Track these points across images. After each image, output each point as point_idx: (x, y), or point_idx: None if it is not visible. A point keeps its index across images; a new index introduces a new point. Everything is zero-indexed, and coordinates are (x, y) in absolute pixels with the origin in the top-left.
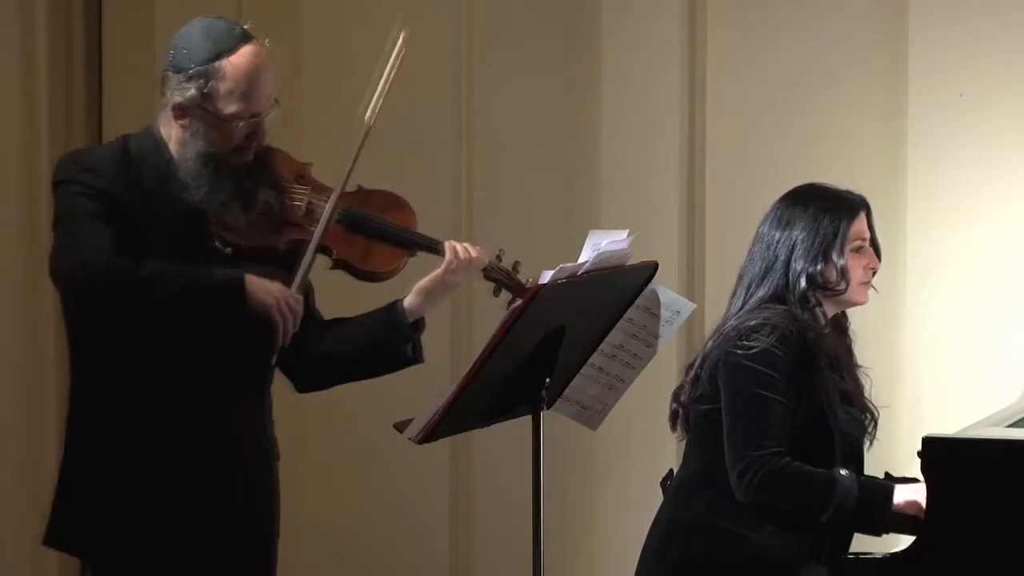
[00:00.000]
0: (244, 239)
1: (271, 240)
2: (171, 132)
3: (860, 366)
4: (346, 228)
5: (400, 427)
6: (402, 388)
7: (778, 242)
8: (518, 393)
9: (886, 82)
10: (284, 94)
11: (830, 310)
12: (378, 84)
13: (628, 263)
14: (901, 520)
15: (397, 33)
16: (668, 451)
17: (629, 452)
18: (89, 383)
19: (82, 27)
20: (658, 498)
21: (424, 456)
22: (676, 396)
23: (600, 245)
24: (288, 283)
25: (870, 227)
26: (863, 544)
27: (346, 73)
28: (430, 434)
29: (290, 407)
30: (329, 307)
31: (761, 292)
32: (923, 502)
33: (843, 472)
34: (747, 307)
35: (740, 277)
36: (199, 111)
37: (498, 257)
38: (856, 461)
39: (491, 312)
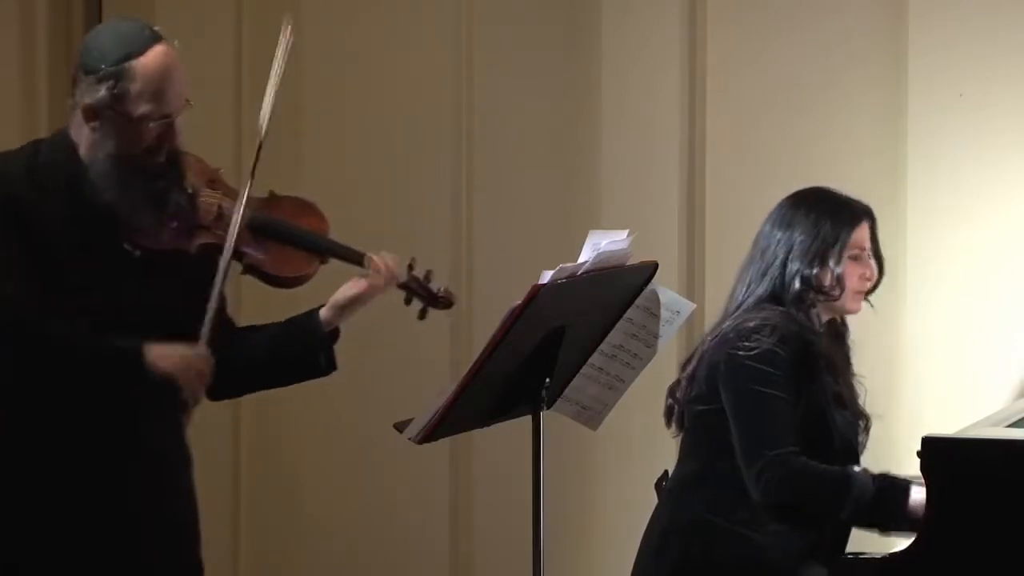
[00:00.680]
0: (154, 242)
1: (181, 243)
2: (82, 134)
3: (856, 374)
4: (256, 233)
5: (400, 427)
6: (402, 388)
7: (777, 242)
8: (518, 393)
9: (886, 82)
10: (284, 93)
11: (824, 315)
12: (269, 87)
13: (628, 263)
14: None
15: (284, 28)
16: (667, 451)
17: (629, 452)
18: None
19: (82, 27)
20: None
21: (424, 456)
22: (672, 392)
23: (600, 245)
24: (200, 285)
25: (874, 238)
26: (863, 544)
27: (346, 72)
28: (430, 434)
29: (290, 408)
30: (245, 313)
31: (759, 292)
32: None
33: (856, 469)
34: (745, 306)
35: (739, 275)
36: (109, 113)
37: (410, 266)
38: (853, 463)
39: (491, 312)
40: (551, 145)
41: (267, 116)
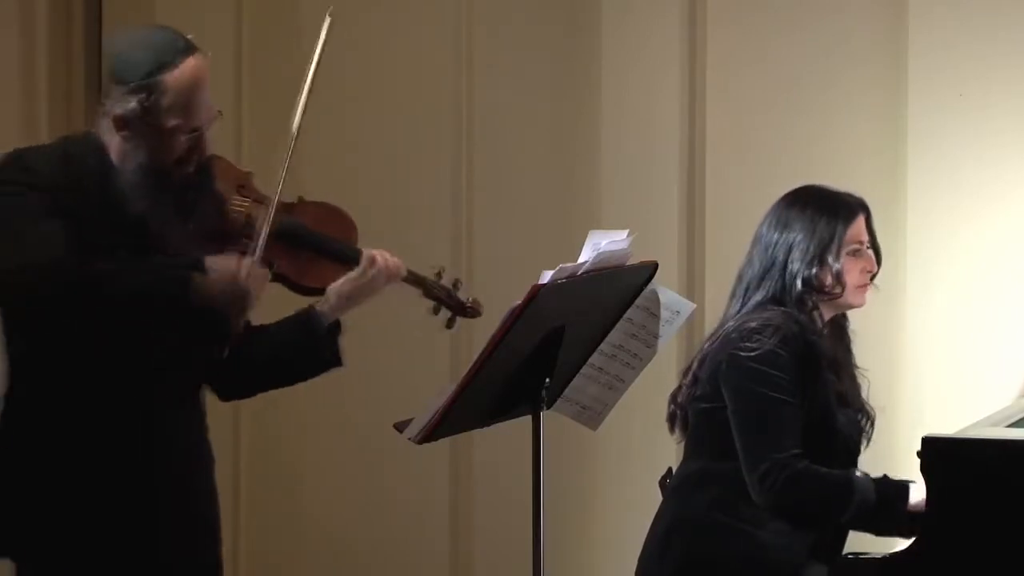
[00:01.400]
0: (183, 251)
1: (211, 252)
2: (112, 140)
3: (858, 367)
4: (284, 242)
5: (400, 427)
6: (402, 388)
7: (776, 244)
8: (518, 393)
9: (886, 82)
10: (284, 93)
11: (827, 313)
12: (305, 81)
13: (628, 263)
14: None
15: (323, 23)
16: (667, 451)
17: (629, 452)
18: (23, 385)
19: (82, 27)
20: (658, 497)
21: (424, 456)
22: (674, 398)
23: (600, 245)
24: None
25: (870, 230)
26: (863, 544)
27: (347, 72)
28: (430, 434)
29: (290, 408)
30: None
31: (759, 294)
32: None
33: (857, 474)
34: (746, 309)
35: (739, 278)
36: (140, 124)
37: (438, 275)
38: (853, 463)
39: (491, 312)
40: (551, 145)
41: (299, 116)
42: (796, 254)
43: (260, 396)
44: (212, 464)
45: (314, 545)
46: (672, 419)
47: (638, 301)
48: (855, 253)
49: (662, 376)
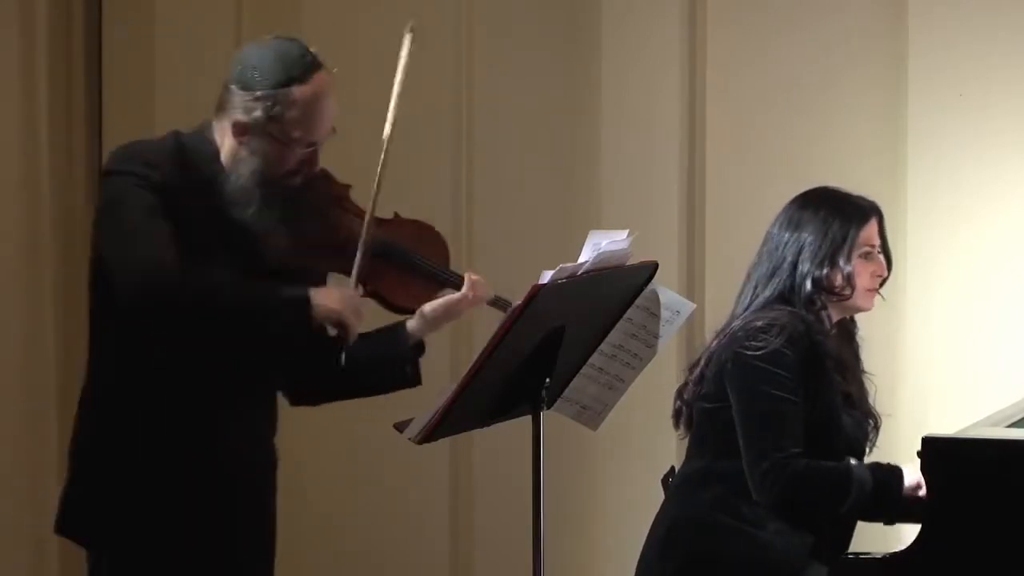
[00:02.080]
0: (282, 262)
1: (308, 264)
2: (225, 142)
3: (866, 372)
4: (381, 261)
5: (400, 427)
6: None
7: (786, 243)
8: (518, 393)
9: (886, 82)
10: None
11: (835, 314)
12: (391, 96)
13: (628, 263)
14: (909, 504)
15: (403, 37)
16: (668, 450)
17: (629, 451)
18: (109, 376)
19: (82, 27)
20: (659, 497)
21: (424, 456)
22: (680, 394)
23: (600, 245)
24: None
25: (881, 235)
26: (863, 544)
27: (347, 73)
28: (430, 434)
29: (290, 408)
30: None
31: (767, 293)
32: (922, 480)
33: (853, 461)
34: (753, 307)
35: (747, 277)
36: (262, 132)
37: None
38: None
39: (491, 313)
40: (551, 145)
41: (389, 130)
42: (807, 254)
43: None
44: (273, 465)
45: (314, 545)
46: (677, 415)
47: (638, 301)
48: (866, 256)
49: (662, 376)
